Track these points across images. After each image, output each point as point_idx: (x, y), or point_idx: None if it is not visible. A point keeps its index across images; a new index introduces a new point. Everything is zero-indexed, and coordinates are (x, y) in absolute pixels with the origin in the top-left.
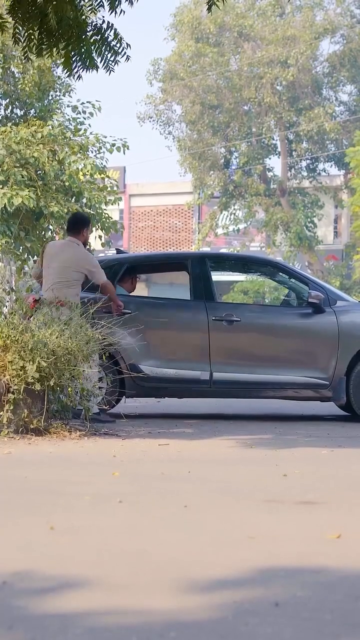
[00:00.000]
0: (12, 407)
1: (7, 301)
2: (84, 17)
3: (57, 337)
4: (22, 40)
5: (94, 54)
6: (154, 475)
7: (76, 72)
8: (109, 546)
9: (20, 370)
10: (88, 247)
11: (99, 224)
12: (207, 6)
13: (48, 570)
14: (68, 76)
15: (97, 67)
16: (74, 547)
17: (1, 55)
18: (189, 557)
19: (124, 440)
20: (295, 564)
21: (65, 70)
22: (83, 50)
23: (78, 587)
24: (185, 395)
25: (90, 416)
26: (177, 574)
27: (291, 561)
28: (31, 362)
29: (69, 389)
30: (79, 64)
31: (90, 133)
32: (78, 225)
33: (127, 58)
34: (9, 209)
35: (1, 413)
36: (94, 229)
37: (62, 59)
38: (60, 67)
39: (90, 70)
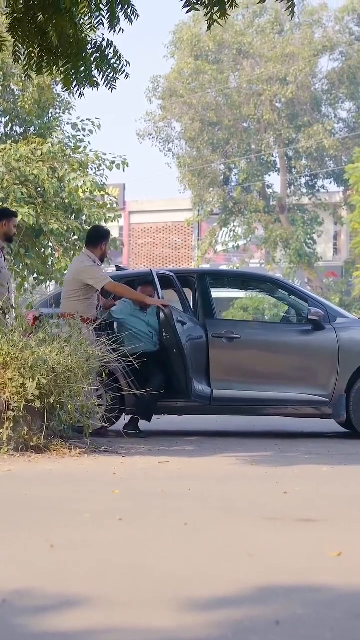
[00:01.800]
0: (12, 425)
1: (8, 318)
2: (83, 35)
3: (57, 355)
4: (23, 58)
5: (94, 71)
6: (154, 492)
7: (76, 90)
8: (109, 564)
9: (20, 388)
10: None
11: None
12: (208, 25)
13: (48, 588)
14: (67, 93)
15: (97, 85)
16: (73, 564)
17: (1, 73)
18: (189, 575)
19: (124, 458)
20: (296, 581)
21: (65, 88)
22: (83, 68)
23: (78, 605)
24: (184, 412)
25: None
26: (177, 591)
27: (291, 579)
28: (31, 380)
29: (69, 406)
30: (78, 81)
31: (90, 150)
32: (96, 238)
33: (127, 75)
34: None
35: (1, 430)
36: None
37: (62, 77)
38: (60, 85)
39: (91, 87)
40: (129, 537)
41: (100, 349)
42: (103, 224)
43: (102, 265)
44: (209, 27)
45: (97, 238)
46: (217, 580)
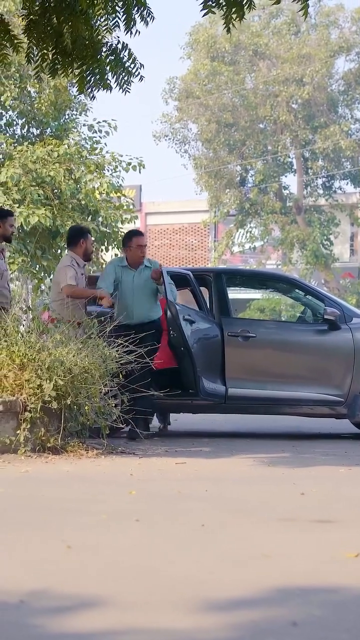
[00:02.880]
0: (29, 426)
1: (24, 320)
2: (99, 37)
3: (73, 356)
4: (35, 60)
5: (109, 74)
6: (171, 494)
7: (90, 92)
8: (126, 565)
9: (37, 389)
10: (94, 258)
11: (115, 243)
12: (226, 27)
13: (65, 589)
14: (79, 94)
15: (110, 88)
16: (90, 565)
17: (17, 75)
18: (206, 576)
19: (141, 459)
20: (313, 582)
21: (79, 90)
22: (97, 70)
23: (95, 606)
24: (200, 411)
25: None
26: (194, 592)
27: (308, 580)
28: (48, 381)
29: (86, 407)
30: (92, 83)
31: (107, 152)
32: (74, 237)
33: (141, 78)
34: (25, 228)
35: (18, 432)
36: (110, 247)
37: (76, 79)
38: (76, 87)
39: (105, 90)
40: (146, 538)
41: (117, 351)
42: (119, 225)
43: (86, 264)
44: (228, 29)
45: (74, 237)
46: (233, 581)
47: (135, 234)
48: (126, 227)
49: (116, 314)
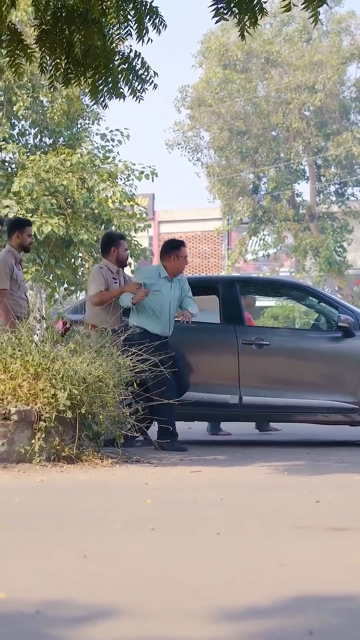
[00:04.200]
0: (43, 435)
1: (38, 329)
2: (113, 45)
3: (87, 365)
4: (49, 70)
5: (121, 82)
6: (186, 502)
7: (102, 101)
8: (142, 574)
9: (52, 398)
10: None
11: (129, 251)
12: (240, 34)
13: (81, 599)
14: (93, 104)
15: (124, 96)
16: (106, 574)
17: (30, 84)
18: (221, 585)
19: (156, 468)
20: (329, 591)
21: (92, 99)
22: (110, 79)
23: (111, 615)
24: (214, 420)
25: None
26: (209, 601)
27: (324, 588)
28: (62, 390)
29: (100, 417)
30: (105, 92)
31: (119, 160)
32: (105, 245)
33: (155, 86)
34: (38, 237)
35: (33, 441)
36: None
37: (89, 88)
38: (89, 96)
39: (117, 98)
40: (161, 547)
41: (131, 359)
42: (133, 233)
43: (120, 270)
44: (242, 36)
45: (105, 245)
46: (249, 590)
47: (182, 244)
48: (139, 236)
49: (138, 321)
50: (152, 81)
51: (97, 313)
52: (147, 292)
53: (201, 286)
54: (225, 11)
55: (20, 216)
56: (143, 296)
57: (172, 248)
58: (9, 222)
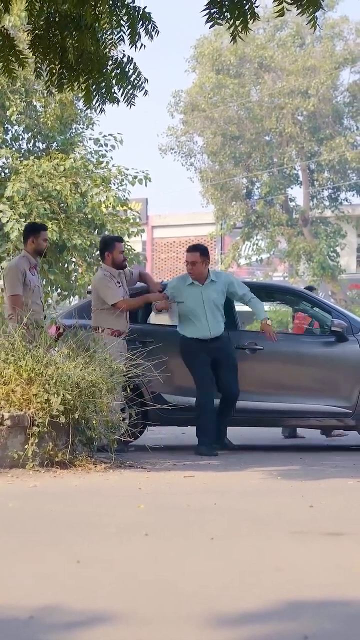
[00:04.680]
0: (36, 440)
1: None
2: (105, 50)
3: (81, 370)
4: (45, 75)
5: (114, 87)
6: (180, 507)
7: (98, 105)
8: (136, 579)
9: (45, 403)
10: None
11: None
12: (232, 38)
13: (75, 604)
14: (86, 109)
15: (117, 101)
16: (100, 580)
17: (23, 89)
18: (216, 590)
19: (149, 473)
20: (324, 595)
21: (85, 104)
22: (103, 84)
23: (105, 621)
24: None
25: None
26: (205, 606)
27: (319, 593)
28: (56, 395)
29: (94, 422)
30: (99, 97)
31: (112, 165)
32: (101, 250)
33: (146, 92)
34: None
35: (26, 446)
36: None
37: (83, 93)
38: (82, 101)
39: (111, 103)
40: (155, 552)
41: (125, 364)
42: (126, 238)
43: (121, 272)
44: (234, 40)
45: (102, 250)
46: (244, 595)
47: (190, 249)
48: (132, 241)
49: (180, 328)
50: (144, 87)
51: (105, 317)
52: (168, 301)
53: None
54: (217, 15)
55: (14, 221)
56: (164, 306)
57: (187, 254)
58: (24, 227)
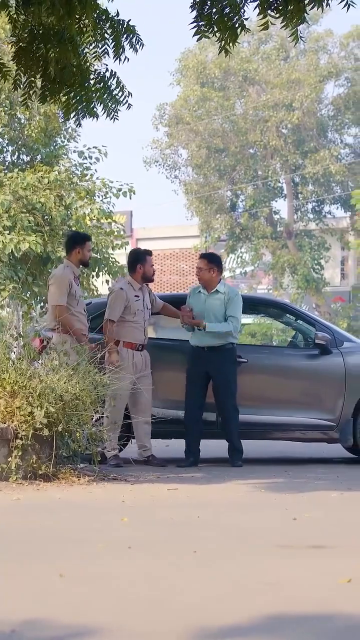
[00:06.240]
0: (20, 453)
1: (15, 347)
2: (88, 64)
3: (65, 383)
4: (23, 87)
5: (95, 101)
6: (163, 520)
7: (76, 119)
8: (121, 593)
9: (29, 416)
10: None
11: (106, 269)
12: (219, 50)
13: (59, 619)
14: (64, 121)
15: (97, 116)
16: (84, 594)
17: (7, 101)
18: (202, 604)
19: (133, 485)
20: (309, 609)
21: (64, 117)
22: (84, 98)
23: (90, 635)
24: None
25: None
26: (190, 621)
27: (304, 607)
28: (39, 408)
29: (77, 434)
30: (79, 111)
31: (97, 178)
32: (68, 245)
33: (129, 106)
34: (16, 255)
35: (9, 459)
36: (101, 273)
37: (63, 106)
38: (62, 113)
39: (91, 118)
40: (139, 566)
41: (109, 376)
42: (110, 251)
43: (144, 286)
44: (224, 52)
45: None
46: (229, 609)
47: (199, 256)
48: (117, 253)
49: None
50: (127, 101)
51: (117, 331)
52: (189, 313)
53: (179, 303)
54: (206, 29)
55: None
56: (188, 320)
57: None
58: (68, 237)
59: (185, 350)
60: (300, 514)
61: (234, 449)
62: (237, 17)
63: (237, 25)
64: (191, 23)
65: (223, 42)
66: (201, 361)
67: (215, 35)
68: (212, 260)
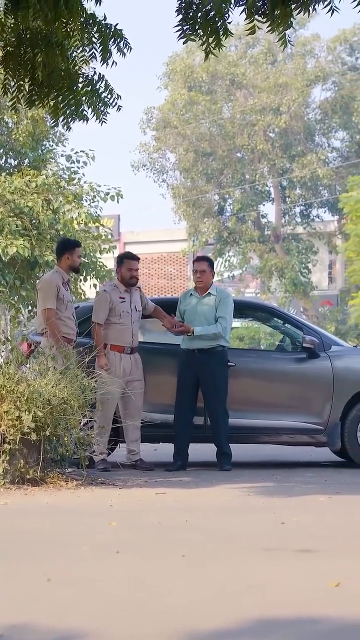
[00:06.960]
0: (8, 458)
1: (3, 351)
2: (76, 68)
3: (52, 387)
4: (11, 91)
5: (84, 105)
6: (151, 524)
7: (64, 123)
8: (107, 597)
9: (16, 421)
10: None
11: (94, 273)
12: (205, 55)
13: (46, 623)
14: (54, 126)
15: (87, 119)
16: (72, 598)
17: None
18: (189, 608)
19: (121, 490)
20: (295, 613)
21: (53, 121)
22: (72, 101)
23: (77, 639)
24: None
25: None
26: (177, 625)
27: (291, 610)
28: (27, 412)
29: (65, 438)
30: (68, 114)
31: (85, 182)
32: (58, 251)
33: (118, 108)
34: (3, 259)
35: None
36: (88, 277)
37: (51, 110)
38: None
39: (80, 121)
40: (127, 570)
41: (96, 380)
42: (98, 255)
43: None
44: (207, 56)
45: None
46: (217, 613)
47: (194, 259)
48: (104, 257)
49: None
50: (116, 103)
51: (105, 334)
52: (175, 322)
53: (167, 307)
54: (190, 32)
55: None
56: (176, 331)
57: (195, 264)
58: (58, 243)
59: (175, 354)
60: (289, 517)
61: (223, 453)
62: (221, 21)
63: (221, 29)
64: (176, 26)
65: (208, 45)
66: (192, 365)
67: (201, 39)
68: (212, 263)
